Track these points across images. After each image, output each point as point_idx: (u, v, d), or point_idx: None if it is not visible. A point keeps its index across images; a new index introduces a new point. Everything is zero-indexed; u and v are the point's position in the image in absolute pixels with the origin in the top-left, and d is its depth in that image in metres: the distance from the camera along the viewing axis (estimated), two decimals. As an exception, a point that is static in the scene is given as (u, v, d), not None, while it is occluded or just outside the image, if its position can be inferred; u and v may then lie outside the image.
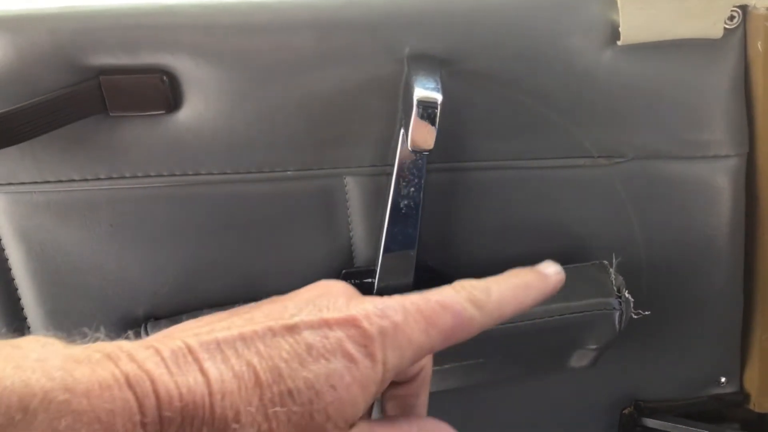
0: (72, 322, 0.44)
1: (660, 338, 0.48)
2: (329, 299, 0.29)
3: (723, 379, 0.49)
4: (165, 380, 0.23)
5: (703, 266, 0.46)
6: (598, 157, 0.43)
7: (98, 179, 0.41)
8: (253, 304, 0.31)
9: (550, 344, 0.41)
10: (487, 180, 0.43)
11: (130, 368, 0.23)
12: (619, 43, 0.40)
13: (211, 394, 0.23)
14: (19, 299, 0.43)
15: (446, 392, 0.47)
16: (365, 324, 0.27)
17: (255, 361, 0.25)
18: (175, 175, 0.41)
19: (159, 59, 0.38)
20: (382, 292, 0.43)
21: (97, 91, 0.38)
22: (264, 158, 0.41)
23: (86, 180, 0.41)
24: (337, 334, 0.27)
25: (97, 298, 0.44)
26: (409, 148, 0.37)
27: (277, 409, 0.24)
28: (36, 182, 0.41)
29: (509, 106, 0.41)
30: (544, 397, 0.49)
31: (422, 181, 0.41)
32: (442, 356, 0.40)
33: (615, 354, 0.46)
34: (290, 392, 0.25)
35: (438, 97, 0.35)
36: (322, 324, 0.27)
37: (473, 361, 0.41)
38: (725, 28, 0.40)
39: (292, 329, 0.26)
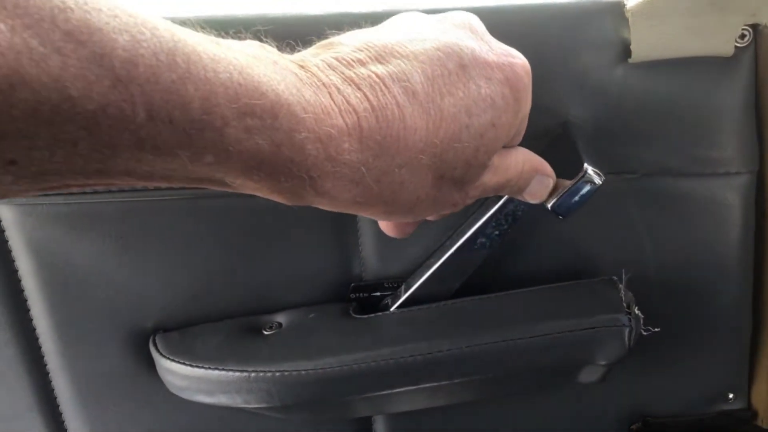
0: (81, 333, 0.44)
1: (668, 354, 0.48)
2: (487, 37, 0.30)
3: (731, 396, 0.49)
4: (368, 117, 0.25)
5: (712, 282, 0.46)
6: (608, 173, 0.43)
7: (108, 192, 0.41)
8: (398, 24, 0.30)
9: (560, 360, 0.41)
10: (497, 195, 0.43)
11: (340, 101, 0.24)
12: (630, 60, 0.40)
13: (405, 128, 0.25)
14: (29, 310, 0.44)
15: (455, 406, 0.47)
16: (521, 71, 0.29)
17: (437, 98, 0.26)
18: (185, 187, 0.41)
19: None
20: (411, 303, 0.43)
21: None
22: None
23: (96, 193, 0.41)
24: (499, 77, 0.28)
25: (106, 309, 0.44)
26: (527, 199, 0.36)
27: (456, 144, 0.27)
28: (47, 195, 0.41)
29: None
30: (553, 412, 0.49)
31: (509, 229, 0.41)
32: (451, 371, 0.41)
33: (623, 370, 0.45)
34: (467, 127, 0.27)
35: (600, 182, 0.36)
36: (486, 66, 0.28)
37: (483, 375, 0.41)
38: (736, 47, 0.40)
39: (464, 68, 0.27)
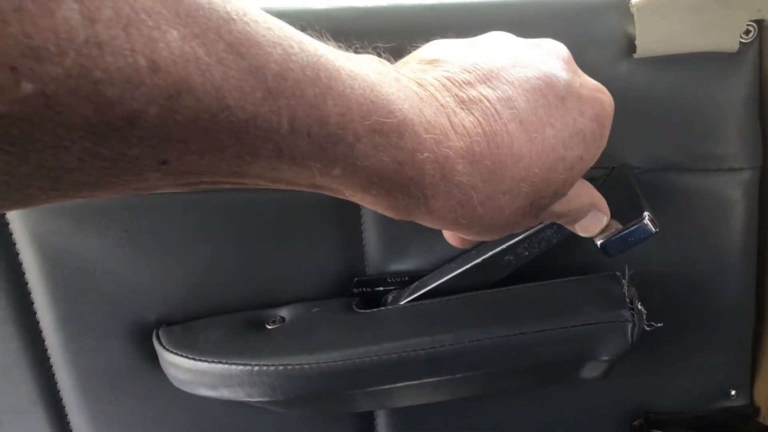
0: (84, 326, 0.44)
1: (670, 350, 0.48)
2: (576, 70, 0.30)
3: (733, 392, 0.49)
4: (480, 141, 0.25)
5: (715, 278, 0.46)
6: (613, 168, 0.43)
7: (113, 185, 0.41)
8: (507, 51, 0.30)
9: (563, 355, 0.41)
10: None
11: (457, 123, 0.25)
12: (635, 55, 0.40)
13: (512, 155, 0.26)
14: (32, 303, 0.44)
15: (457, 401, 0.47)
16: (609, 109, 0.30)
17: (540, 128, 0.27)
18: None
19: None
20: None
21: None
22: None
23: (101, 185, 0.41)
24: (590, 112, 0.29)
25: (110, 303, 0.44)
26: (578, 231, 0.36)
27: (551, 175, 0.28)
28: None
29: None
30: (555, 407, 0.49)
31: (539, 252, 0.41)
32: (454, 366, 0.41)
33: (626, 366, 0.45)
34: (562, 159, 0.28)
35: (655, 231, 0.36)
36: (579, 100, 0.29)
37: (484, 371, 0.41)
38: (741, 42, 0.40)
39: (561, 100, 0.28)
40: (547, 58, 0.29)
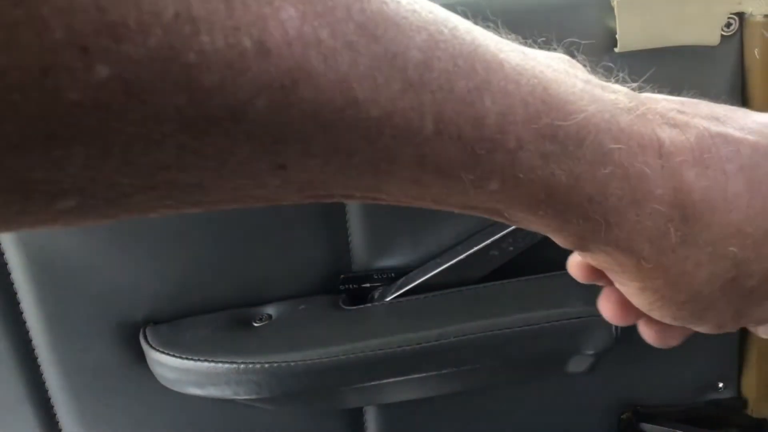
0: (71, 326, 0.44)
1: (658, 343, 0.48)
2: None
3: (721, 385, 0.49)
4: (689, 168, 0.20)
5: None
6: (596, 163, 0.43)
7: (98, 184, 0.41)
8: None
9: (548, 349, 0.41)
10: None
11: (664, 137, 0.20)
12: (616, 50, 0.40)
13: (725, 199, 0.21)
14: (19, 303, 0.44)
15: (445, 397, 0.47)
16: None
17: (764, 182, 0.22)
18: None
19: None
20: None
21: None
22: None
23: (86, 185, 0.41)
24: None
25: (97, 302, 0.44)
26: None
27: (764, 243, 0.22)
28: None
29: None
30: (543, 402, 0.49)
31: (524, 246, 0.41)
32: (441, 361, 0.41)
33: (613, 359, 0.46)
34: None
35: None
36: None
37: (471, 366, 0.41)
38: (722, 35, 0.40)
39: None
40: None
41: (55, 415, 0.47)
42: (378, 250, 0.45)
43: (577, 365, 0.43)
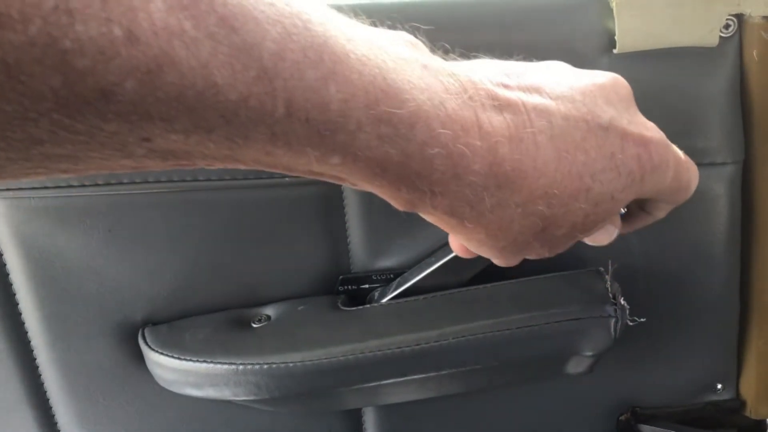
0: (70, 326, 0.44)
1: (657, 345, 0.48)
2: (630, 108, 0.29)
3: (719, 386, 0.49)
4: (504, 144, 0.24)
5: (699, 273, 0.46)
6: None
7: (96, 185, 0.41)
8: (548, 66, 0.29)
9: (547, 351, 0.41)
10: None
11: (484, 120, 0.23)
12: (615, 51, 0.40)
13: (535, 168, 0.24)
14: (17, 304, 0.44)
15: (443, 398, 0.47)
16: (653, 153, 0.28)
17: (571, 149, 0.25)
18: (173, 181, 0.41)
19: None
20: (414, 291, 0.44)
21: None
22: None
23: (84, 186, 0.41)
24: (632, 152, 0.27)
25: (95, 303, 0.44)
26: (587, 242, 0.34)
27: (571, 203, 0.26)
28: (35, 188, 0.41)
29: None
30: (541, 403, 0.49)
31: None
32: (440, 362, 0.41)
33: (612, 360, 0.46)
34: (587, 190, 0.26)
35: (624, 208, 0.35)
36: (623, 136, 0.27)
37: (470, 367, 0.41)
38: (721, 37, 0.40)
39: (603, 130, 0.26)
40: (599, 88, 0.28)
41: (53, 416, 0.47)
42: (377, 252, 0.45)
43: (576, 366, 0.43)
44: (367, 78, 0.20)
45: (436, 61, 0.24)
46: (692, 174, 0.32)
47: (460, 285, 0.44)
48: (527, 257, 0.30)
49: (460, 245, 0.35)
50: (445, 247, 0.44)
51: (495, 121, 0.24)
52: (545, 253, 0.29)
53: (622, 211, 0.36)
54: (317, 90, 0.19)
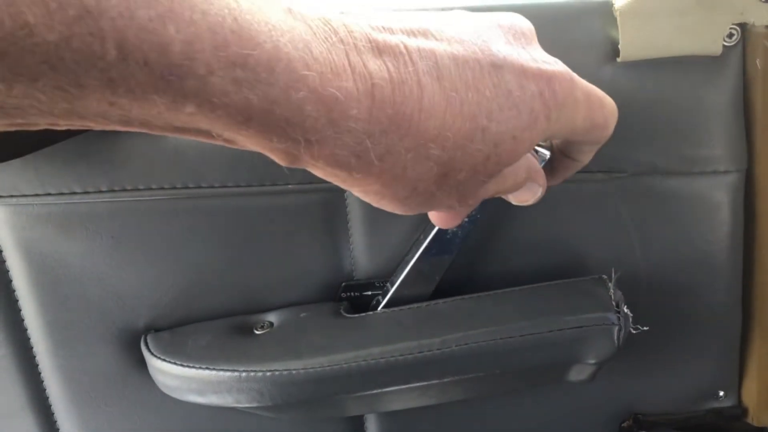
0: (72, 332, 0.44)
1: (659, 352, 0.48)
2: (531, 44, 0.28)
3: (721, 393, 0.49)
4: (384, 87, 0.23)
5: (701, 281, 0.46)
6: (597, 172, 0.43)
7: (99, 192, 0.41)
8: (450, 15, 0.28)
9: (549, 358, 0.41)
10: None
11: (357, 62, 0.22)
12: (618, 59, 0.40)
13: (421, 110, 0.24)
14: (20, 310, 0.44)
15: (446, 405, 0.47)
16: (558, 89, 0.27)
17: (462, 89, 0.25)
18: (176, 188, 0.42)
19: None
20: (396, 302, 0.43)
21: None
22: (265, 171, 0.42)
23: (87, 192, 0.41)
24: (532, 88, 0.26)
25: (98, 309, 0.44)
26: (511, 200, 0.35)
27: (468, 144, 0.25)
28: (38, 194, 0.41)
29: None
30: (544, 410, 0.49)
31: (479, 215, 0.41)
32: (442, 369, 0.41)
33: (614, 367, 0.46)
34: (483, 130, 0.25)
35: (547, 154, 0.36)
36: (521, 73, 0.26)
37: (473, 374, 0.41)
38: (724, 46, 0.40)
39: (498, 69, 0.25)
40: (495, 27, 0.27)
41: (55, 422, 0.47)
42: (380, 259, 0.45)
43: (578, 374, 0.43)
44: (213, 18, 0.19)
45: (307, 8, 0.23)
46: (608, 110, 0.31)
47: (455, 280, 0.44)
48: (439, 210, 0.29)
49: (435, 215, 0.34)
50: (416, 242, 0.44)
51: (371, 64, 0.23)
52: (455, 204, 0.28)
53: (545, 156, 0.35)
54: (153, 30, 0.17)
